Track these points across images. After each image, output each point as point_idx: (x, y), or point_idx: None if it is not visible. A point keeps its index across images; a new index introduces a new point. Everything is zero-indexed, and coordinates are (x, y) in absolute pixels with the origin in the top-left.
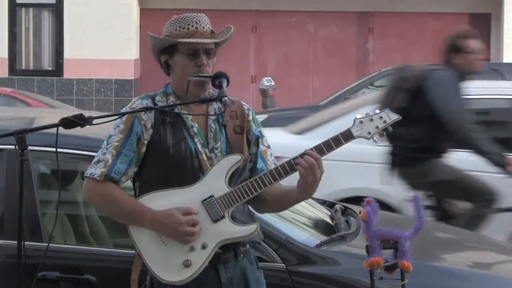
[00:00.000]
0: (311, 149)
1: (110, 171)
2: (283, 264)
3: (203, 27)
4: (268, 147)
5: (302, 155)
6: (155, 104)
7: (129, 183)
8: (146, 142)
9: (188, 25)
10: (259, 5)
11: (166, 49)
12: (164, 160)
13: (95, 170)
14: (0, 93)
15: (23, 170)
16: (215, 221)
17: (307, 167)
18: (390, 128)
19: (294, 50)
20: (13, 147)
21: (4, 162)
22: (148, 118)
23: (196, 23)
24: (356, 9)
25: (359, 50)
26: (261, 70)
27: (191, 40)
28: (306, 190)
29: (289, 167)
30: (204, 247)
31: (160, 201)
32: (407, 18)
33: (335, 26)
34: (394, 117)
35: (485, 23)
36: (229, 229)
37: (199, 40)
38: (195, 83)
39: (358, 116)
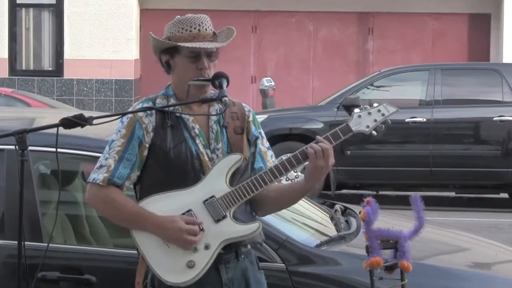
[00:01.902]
0: (333, 131)
1: (112, 176)
2: (283, 264)
3: (206, 29)
4: (269, 148)
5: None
6: None
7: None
8: (147, 145)
9: (191, 27)
10: (259, 5)
11: (168, 49)
12: (165, 163)
13: (97, 176)
14: (0, 93)
15: (23, 170)
16: (217, 221)
17: (320, 150)
18: (389, 121)
19: (294, 50)
20: (13, 147)
21: (4, 163)
22: (149, 122)
23: (199, 25)
24: (356, 9)
25: (359, 50)
26: (261, 70)
27: (193, 44)
28: (314, 176)
29: (289, 164)
30: (207, 247)
31: (162, 203)
32: (407, 18)
33: (335, 26)
34: (392, 110)
35: (485, 23)
36: (231, 229)
37: (201, 45)
38: (196, 86)
39: (356, 110)
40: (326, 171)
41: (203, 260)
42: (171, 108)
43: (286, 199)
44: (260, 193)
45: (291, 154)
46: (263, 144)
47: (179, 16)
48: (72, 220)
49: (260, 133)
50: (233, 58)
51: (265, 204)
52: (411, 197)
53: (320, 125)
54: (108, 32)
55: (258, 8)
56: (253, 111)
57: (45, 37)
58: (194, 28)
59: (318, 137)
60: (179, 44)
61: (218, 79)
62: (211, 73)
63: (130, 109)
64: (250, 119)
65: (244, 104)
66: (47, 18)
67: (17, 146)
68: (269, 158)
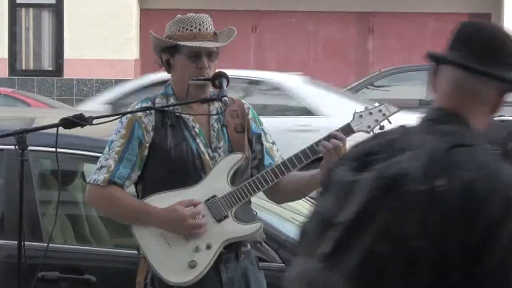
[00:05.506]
0: (337, 130)
1: (113, 177)
2: (283, 264)
3: (206, 28)
4: (273, 143)
5: (317, 143)
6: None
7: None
8: (147, 145)
9: (191, 26)
10: (259, 5)
11: (168, 48)
12: (166, 162)
13: (98, 176)
14: (0, 93)
15: (23, 170)
16: (219, 220)
17: (332, 148)
18: (390, 121)
19: (294, 50)
20: (13, 147)
21: (4, 162)
22: (149, 121)
23: (200, 24)
24: (356, 9)
25: (359, 50)
26: (261, 70)
27: (193, 43)
28: None
29: (291, 164)
30: (209, 247)
31: (163, 202)
32: (407, 18)
33: (335, 26)
34: (394, 110)
35: None
36: (233, 228)
37: (201, 44)
38: (196, 85)
39: (358, 110)
40: None
41: (205, 260)
42: (170, 108)
43: (305, 191)
44: (279, 184)
45: (293, 154)
46: (267, 140)
47: (180, 15)
48: (72, 220)
49: (262, 129)
50: (233, 58)
51: (284, 194)
52: None
53: None
54: (108, 32)
55: (258, 8)
56: (252, 108)
57: (45, 37)
58: (195, 28)
59: (331, 132)
60: (179, 43)
61: (218, 79)
62: (211, 72)
63: (129, 109)
64: (250, 116)
65: (243, 101)
66: (47, 18)
67: (17, 146)
68: (275, 152)
